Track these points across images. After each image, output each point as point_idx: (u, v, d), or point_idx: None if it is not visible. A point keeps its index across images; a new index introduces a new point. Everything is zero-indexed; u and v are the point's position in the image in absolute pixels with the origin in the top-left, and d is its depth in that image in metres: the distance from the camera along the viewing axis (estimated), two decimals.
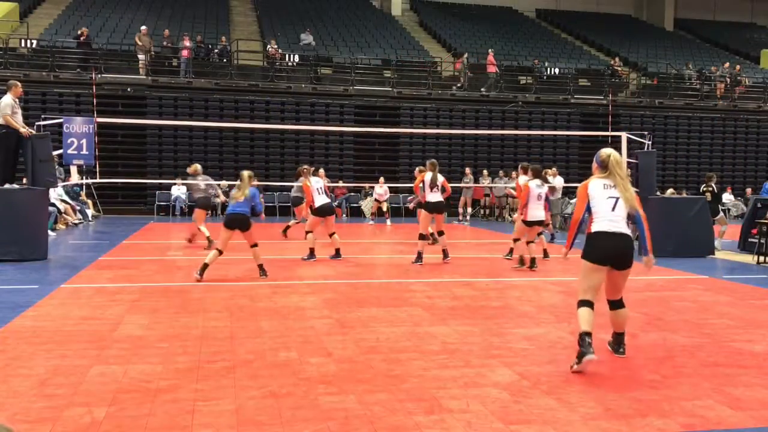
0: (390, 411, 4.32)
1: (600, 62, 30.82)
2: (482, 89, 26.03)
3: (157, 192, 22.37)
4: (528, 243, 11.18)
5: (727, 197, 25.36)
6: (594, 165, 5.63)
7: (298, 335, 6.29)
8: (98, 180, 15.80)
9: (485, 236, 15.44)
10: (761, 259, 12.34)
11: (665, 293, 9.05)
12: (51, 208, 14.77)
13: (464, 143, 25.33)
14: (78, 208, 18.89)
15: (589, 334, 5.22)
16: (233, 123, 21.88)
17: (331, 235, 11.95)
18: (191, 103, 23.23)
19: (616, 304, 5.69)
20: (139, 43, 23.41)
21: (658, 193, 14.19)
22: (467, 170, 22.71)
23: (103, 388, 4.69)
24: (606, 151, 5.58)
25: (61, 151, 12.22)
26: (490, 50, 27.45)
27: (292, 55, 25.69)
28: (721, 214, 15.20)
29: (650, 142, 14.93)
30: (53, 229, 15.20)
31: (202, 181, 13.87)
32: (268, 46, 25.31)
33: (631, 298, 8.61)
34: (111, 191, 21.85)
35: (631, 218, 5.63)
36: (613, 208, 5.41)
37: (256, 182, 10.38)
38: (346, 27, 30.69)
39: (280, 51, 25.32)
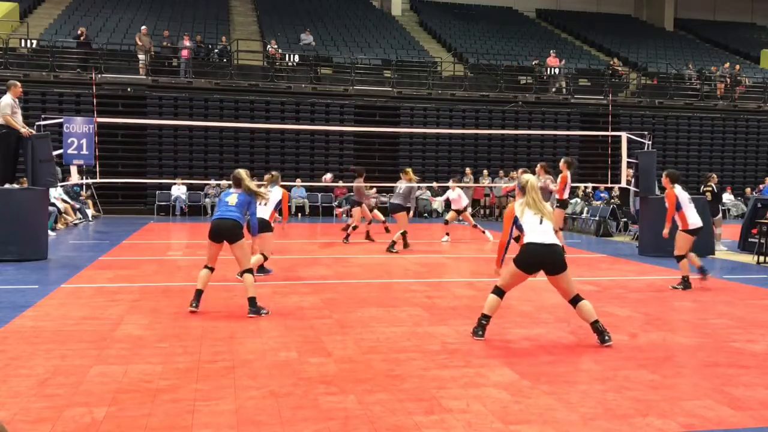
0: (390, 411, 4.32)
1: (600, 62, 30.81)
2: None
3: (157, 192, 22.38)
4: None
5: (727, 197, 25.36)
6: (517, 190, 6.34)
7: (298, 335, 6.29)
8: (98, 180, 15.77)
9: (485, 236, 15.43)
10: (761, 259, 12.34)
11: (665, 293, 9.05)
12: (51, 208, 14.78)
13: (464, 143, 25.33)
14: (78, 207, 18.90)
15: (487, 317, 6.23)
16: (233, 123, 21.89)
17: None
18: (191, 103, 23.23)
19: (574, 301, 6.14)
20: (139, 43, 23.40)
21: (657, 192, 14.16)
22: (468, 170, 22.72)
23: (103, 388, 4.69)
24: (524, 178, 6.35)
25: (61, 151, 12.21)
26: (552, 51, 27.61)
27: (292, 55, 25.69)
28: (720, 215, 15.20)
29: (650, 142, 14.93)
30: (53, 229, 15.20)
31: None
32: (268, 46, 25.31)
33: (630, 297, 8.63)
34: (111, 191, 21.85)
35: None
36: (541, 222, 6.09)
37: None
38: (346, 27, 30.69)
39: (280, 51, 25.33)
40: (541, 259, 6.01)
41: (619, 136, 15.42)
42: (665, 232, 9.55)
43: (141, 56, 23.52)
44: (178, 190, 22.08)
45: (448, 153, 25.19)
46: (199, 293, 7.25)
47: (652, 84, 29.12)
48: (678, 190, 9.36)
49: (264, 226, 9.08)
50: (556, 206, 12.52)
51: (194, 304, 7.19)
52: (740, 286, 9.72)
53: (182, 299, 7.92)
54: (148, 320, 6.82)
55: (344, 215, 19.50)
